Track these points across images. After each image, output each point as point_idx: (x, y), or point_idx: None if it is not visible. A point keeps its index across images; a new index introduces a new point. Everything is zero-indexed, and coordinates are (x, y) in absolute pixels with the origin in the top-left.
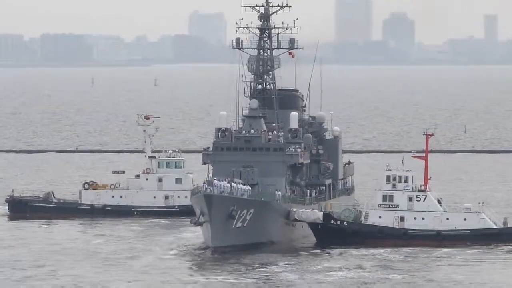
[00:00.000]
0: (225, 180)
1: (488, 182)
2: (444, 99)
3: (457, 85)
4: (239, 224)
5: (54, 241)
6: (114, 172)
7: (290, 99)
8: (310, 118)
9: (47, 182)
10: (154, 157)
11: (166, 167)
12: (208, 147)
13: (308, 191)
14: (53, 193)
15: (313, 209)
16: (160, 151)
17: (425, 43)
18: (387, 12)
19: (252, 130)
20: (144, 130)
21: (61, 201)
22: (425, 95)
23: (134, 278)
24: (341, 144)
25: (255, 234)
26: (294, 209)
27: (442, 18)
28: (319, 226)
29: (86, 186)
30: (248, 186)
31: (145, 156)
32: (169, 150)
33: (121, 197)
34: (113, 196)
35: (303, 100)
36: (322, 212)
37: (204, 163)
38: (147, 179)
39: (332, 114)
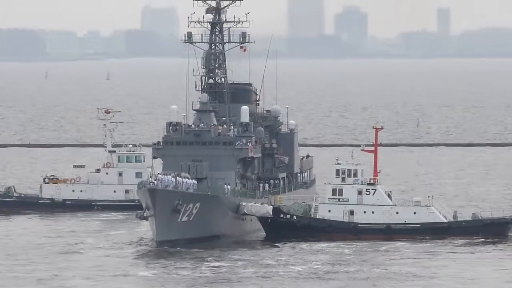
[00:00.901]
0: (170, 174)
1: (439, 175)
2: (397, 93)
3: (410, 79)
4: (185, 218)
5: (3, 235)
6: (74, 166)
7: (242, 93)
8: (265, 112)
9: (8, 177)
10: (114, 151)
11: (127, 161)
12: (159, 142)
13: (261, 185)
14: (14, 188)
15: (262, 203)
16: (120, 146)
17: (378, 36)
18: (340, 5)
19: (201, 124)
20: (104, 125)
21: (22, 195)
22: (378, 88)
23: (77, 273)
24: (296, 137)
25: (202, 228)
26: (244, 203)
27: (394, 11)
28: (269, 220)
29: (46, 180)
30: (194, 180)
31: (105, 150)
32: (129, 144)
33: (81, 191)
34: (73, 191)
35: (257, 94)
36: (271, 206)
37: (154, 157)
38: (107, 173)
39: (287, 108)
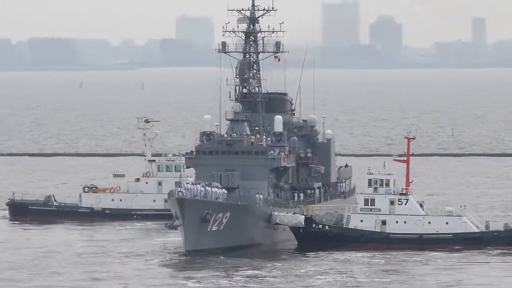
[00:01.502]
0: (201, 184)
1: (472, 185)
2: (432, 102)
3: (446, 88)
4: (214, 228)
5: (42, 244)
6: (114, 175)
7: (277, 103)
8: (301, 121)
9: (49, 186)
10: (154, 161)
11: (166, 171)
12: (192, 151)
13: (296, 194)
14: (54, 197)
15: (294, 213)
16: (160, 155)
17: (412, 46)
18: (374, 15)
19: (234, 134)
20: (144, 134)
21: (63, 204)
22: (413, 98)
23: (108, 283)
24: (333, 147)
25: (233, 237)
26: (276, 213)
27: (429, 21)
28: (301, 230)
29: (86, 189)
30: (223, 189)
31: (145, 159)
32: (169, 153)
33: (120, 200)
34: (112, 200)
35: (292, 104)
36: (303, 216)
37: (187, 167)
38: (147, 183)
39: (324, 117)
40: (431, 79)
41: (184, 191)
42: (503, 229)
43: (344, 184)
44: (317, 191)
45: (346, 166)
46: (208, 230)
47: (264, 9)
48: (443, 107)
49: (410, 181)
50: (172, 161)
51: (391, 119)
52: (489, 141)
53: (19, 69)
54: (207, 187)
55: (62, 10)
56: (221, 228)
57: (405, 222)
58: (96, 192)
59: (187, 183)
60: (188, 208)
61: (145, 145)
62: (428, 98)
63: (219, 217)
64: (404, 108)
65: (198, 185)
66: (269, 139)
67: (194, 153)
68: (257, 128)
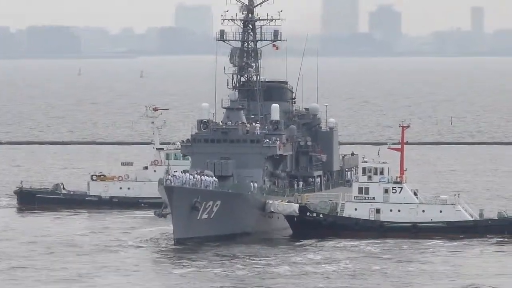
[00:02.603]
0: (189, 171)
1: (468, 173)
2: (431, 91)
3: (444, 77)
4: (205, 216)
5: (42, 232)
6: (122, 163)
7: (276, 91)
8: (304, 109)
9: (59, 174)
10: (162, 149)
11: (174, 159)
12: (188, 139)
13: (296, 182)
14: (63, 185)
15: (289, 201)
16: (168, 143)
17: (411, 35)
18: (373, 3)
19: (229, 122)
20: (152, 122)
21: (71, 192)
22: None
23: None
24: (336, 135)
25: (225, 225)
26: (270, 201)
27: (428, 9)
28: (295, 219)
29: (94, 177)
30: (214, 178)
31: (153, 148)
32: (177, 142)
33: (128, 188)
34: (120, 188)
35: (293, 92)
36: (297, 205)
37: (184, 155)
38: (155, 171)
39: (327, 106)
40: (430, 67)
41: (172, 179)
42: (496, 217)
43: (349, 172)
44: (317, 179)
45: (353, 154)
46: (198, 218)
47: None
48: (442, 96)
49: (405, 169)
50: (180, 149)
51: (393, 107)
52: (488, 129)
53: (18, 57)
54: (196, 175)
55: None
56: (211, 216)
57: (399, 211)
58: (104, 181)
59: (175, 171)
60: (176, 196)
61: (153, 133)
62: (427, 86)
63: (209, 205)
64: (404, 96)
65: (187, 173)
66: (259, 126)
67: (190, 141)
68: (253, 116)
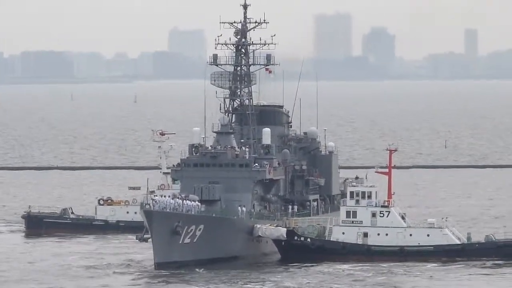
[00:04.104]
0: (177, 196)
1: (457, 197)
2: (425, 114)
3: (438, 101)
4: (187, 240)
5: (36, 257)
6: (130, 188)
7: (270, 115)
8: (303, 134)
9: (70, 198)
10: (169, 173)
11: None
12: (178, 164)
13: (290, 206)
14: (71, 209)
15: (277, 225)
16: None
17: (405, 58)
18: (367, 26)
19: (219, 146)
20: (159, 146)
21: (80, 216)
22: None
23: None
24: (335, 159)
25: (209, 250)
26: (258, 226)
27: (422, 32)
28: (283, 243)
29: (101, 202)
30: (197, 202)
31: (160, 172)
32: None
33: (135, 213)
34: (127, 212)
35: (289, 116)
36: (285, 229)
37: (174, 180)
38: (162, 195)
39: (325, 129)
40: (423, 91)
41: (152, 203)
42: (484, 241)
43: None
44: (314, 203)
45: (357, 178)
46: (180, 242)
47: (256, 22)
48: (436, 119)
49: (392, 193)
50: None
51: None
52: (484, 153)
53: (12, 82)
54: (177, 199)
55: (55, 24)
56: (194, 241)
57: (386, 234)
58: (111, 205)
59: (155, 195)
60: (156, 220)
61: (160, 158)
62: (422, 110)
63: (192, 229)
64: (398, 119)
65: (167, 197)
66: (248, 150)
67: (180, 166)
68: (242, 141)
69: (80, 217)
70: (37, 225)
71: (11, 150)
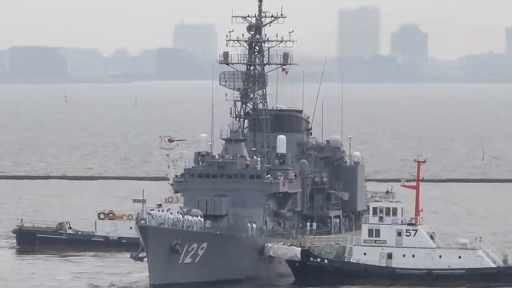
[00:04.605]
0: (168, 210)
1: (492, 215)
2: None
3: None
4: (188, 260)
5: (22, 277)
6: (134, 200)
7: (289, 121)
8: (325, 142)
9: (67, 211)
10: None
11: None
12: (182, 174)
13: (309, 223)
14: (69, 224)
15: (291, 244)
16: None
17: (438, 58)
18: (397, 23)
19: (228, 155)
20: (167, 155)
21: (79, 232)
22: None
23: None
24: (362, 171)
25: (214, 270)
26: (270, 244)
27: (458, 30)
28: (297, 264)
29: (101, 216)
30: (199, 217)
31: (168, 183)
32: None
33: None
34: (130, 228)
35: (309, 122)
36: (300, 249)
37: (176, 192)
38: (169, 209)
39: (350, 138)
40: (459, 94)
41: (148, 218)
42: None
43: None
44: (336, 220)
45: (387, 192)
46: (180, 262)
47: (272, 16)
48: (472, 126)
49: (420, 209)
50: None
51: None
52: None
53: None
54: (178, 214)
55: (47, 16)
56: (196, 260)
57: (413, 256)
58: (112, 219)
59: (151, 209)
60: (151, 237)
61: (168, 167)
62: (456, 116)
63: (193, 248)
64: (431, 126)
65: (166, 212)
66: (259, 159)
67: (183, 176)
68: (254, 149)
69: (79, 232)
70: (30, 241)
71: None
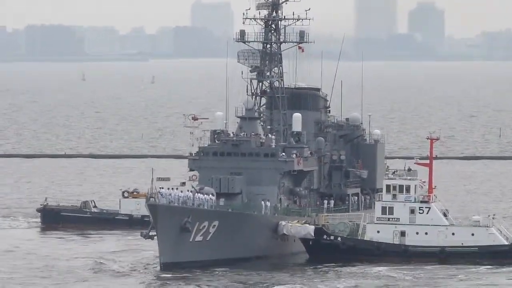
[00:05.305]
0: (178, 188)
1: (504, 192)
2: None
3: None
4: (199, 238)
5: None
6: (158, 179)
7: (306, 99)
8: (344, 120)
9: (91, 190)
10: None
11: None
12: (197, 152)
13: (326, 201)
14: (94, 202)
15: (305, 222)
16: None
17: (456, 36)
18: (414, 1)
19: (242, 133)
20: (191, 133)
21: (104, 210)
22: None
23: None
24: (381, 149)
25: (225, 249)
26: (283, 223)
27: (475, 8)
28: (311, 242)
29: (126, 194)
30: (211, 196)
31: None
32: None
33: None
34: None
35: (327, 100)
36: (313, 227)
37: (191, 169)
38: (192, 187)
39: (370, 115)
40: (476, 72)
41: (158, 196)
42: None
43: None
44: (354, 197)
45: (409, 170)
46: (190, 240)
47: None
48: (489, 104)
49: (434, 187)
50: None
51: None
52: None
53: (16, 59)
54: (189, 192)
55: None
56: (207, 239)
57: (426, 234)
58: (136, 197)
59: (161, 187)
60: (161, 215)
61: (192, 145)
62: (473, 94)
63: (204, 226)
64: (447, 105)
65: (175, 190)
66: (274, 137)
67: (198, 154)
68: (270, 127)
69: (104, 211)
70: (54, 220)
71: (21, 136)
